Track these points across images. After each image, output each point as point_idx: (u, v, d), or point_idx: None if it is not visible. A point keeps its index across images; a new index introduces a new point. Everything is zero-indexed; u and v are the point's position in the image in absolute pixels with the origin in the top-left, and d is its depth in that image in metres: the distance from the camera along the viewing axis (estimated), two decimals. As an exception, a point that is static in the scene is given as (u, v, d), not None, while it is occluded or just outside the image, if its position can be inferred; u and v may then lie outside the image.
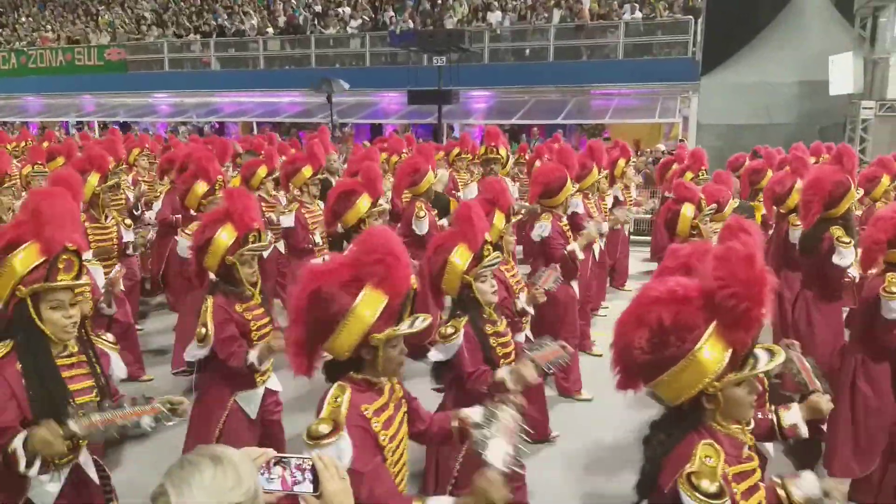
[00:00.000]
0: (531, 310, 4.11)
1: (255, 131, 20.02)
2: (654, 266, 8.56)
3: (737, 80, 20.00)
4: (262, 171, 6.56)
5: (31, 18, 27.26)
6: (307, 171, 6.12)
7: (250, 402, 3.39)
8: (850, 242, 4.37)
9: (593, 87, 18.19)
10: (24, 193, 6.43)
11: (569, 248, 5.09)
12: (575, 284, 5.30)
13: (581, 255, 5.20)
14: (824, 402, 2.50)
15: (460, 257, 3.06)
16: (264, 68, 21.17)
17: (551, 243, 5.04)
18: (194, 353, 3.25)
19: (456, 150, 8.96)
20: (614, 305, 7.61)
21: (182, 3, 24.51)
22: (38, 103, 24.11)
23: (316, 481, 1.42)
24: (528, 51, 18.84)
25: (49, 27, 25.98)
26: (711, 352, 1.75)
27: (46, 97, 23.77)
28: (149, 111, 22.21)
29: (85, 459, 2.55)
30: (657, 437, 1.89)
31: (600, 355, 6.08)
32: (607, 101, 18.04)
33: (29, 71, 23.75)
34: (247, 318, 3.31)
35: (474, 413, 2.30)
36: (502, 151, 7.18)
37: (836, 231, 4.42)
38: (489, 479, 1.96)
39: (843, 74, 17.06)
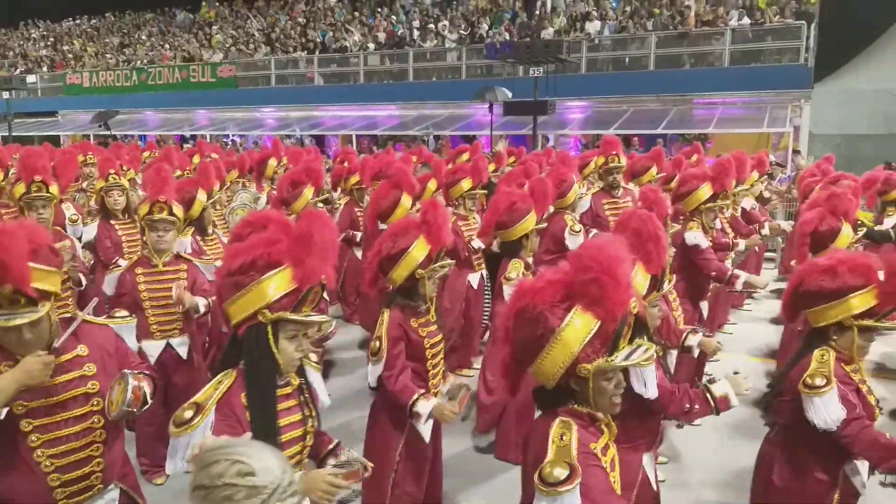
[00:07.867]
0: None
1: (354, 144, 20.65)
2: (782, 284, 8.03)
3: (853, 88, 18.93)
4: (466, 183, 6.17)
5: (152, 39, 29.31)
6: (466, 183, 6.07)
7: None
8: None
9: (696, 96, 17.64)
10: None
11: (744, 280, 4.80)
12: (703, 304, 5.11)
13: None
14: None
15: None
16: (364, 82, 21.81)
17: (706, 255, 4.79)
18: (374, 370, 3.10)
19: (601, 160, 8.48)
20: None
21: (288, 22, 25.68)
22: (155, 118, 25.77)
23: None
24: (627, 59, 18.51)
25: (167, 46, 27.84)
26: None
27: (163, 112, 25.41)
28: (256, 125, 23.31)
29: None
30: None
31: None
32: (711, 111, 17.42)
33: (148, 87, 25.38)
34: (421, 334, 3.18)
35: None
36: (623, 160, 6.77)
37: None
38: None
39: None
